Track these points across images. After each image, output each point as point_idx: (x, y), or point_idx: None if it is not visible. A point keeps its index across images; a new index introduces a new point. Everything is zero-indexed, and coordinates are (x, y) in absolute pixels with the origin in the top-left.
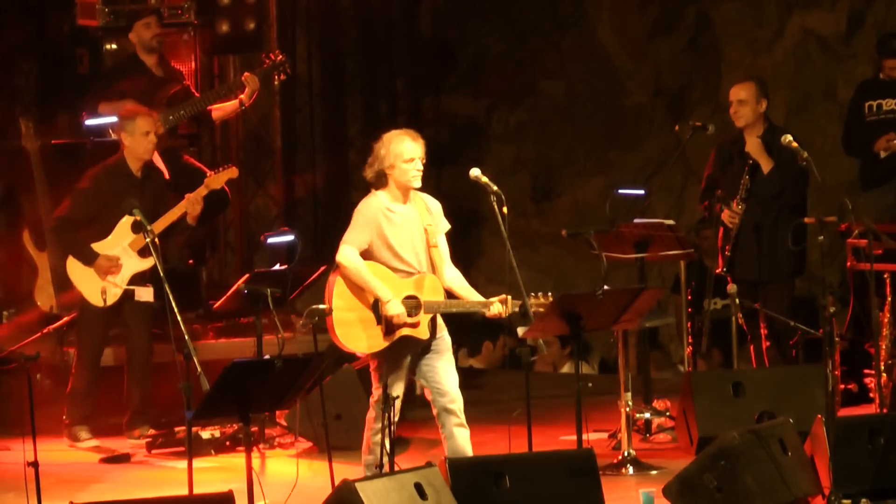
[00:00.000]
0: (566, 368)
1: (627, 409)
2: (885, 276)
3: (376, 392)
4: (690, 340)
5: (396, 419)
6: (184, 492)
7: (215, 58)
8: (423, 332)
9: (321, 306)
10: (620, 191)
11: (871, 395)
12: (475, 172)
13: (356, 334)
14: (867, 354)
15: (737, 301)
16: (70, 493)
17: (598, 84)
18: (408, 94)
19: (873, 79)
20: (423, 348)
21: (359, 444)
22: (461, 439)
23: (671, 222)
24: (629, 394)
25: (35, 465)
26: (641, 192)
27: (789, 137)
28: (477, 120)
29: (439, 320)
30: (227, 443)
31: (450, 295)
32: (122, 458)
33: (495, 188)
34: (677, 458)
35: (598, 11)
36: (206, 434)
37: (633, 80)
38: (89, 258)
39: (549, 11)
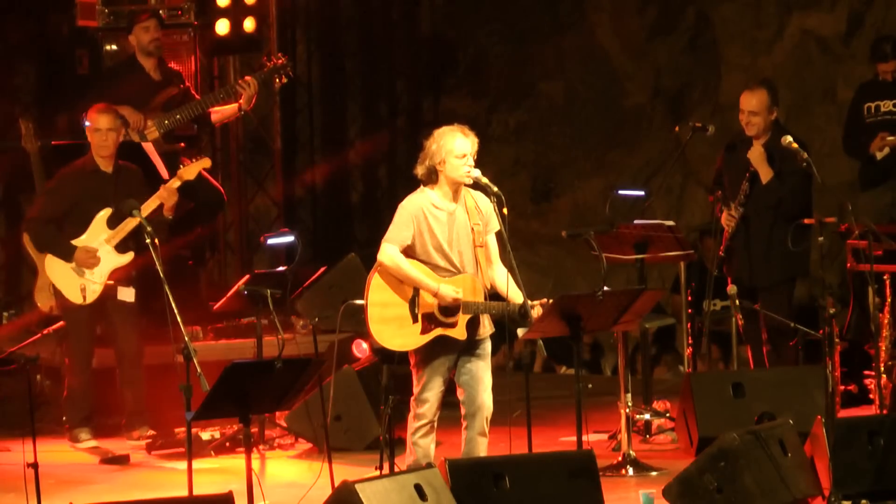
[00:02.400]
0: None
1: (627, 411)
2: (885, 276)
3: (416, 390)
4: (690, 341)
5: (435, 418)
6: (183, 493)
7: (215, 59)
8: (460, 333)
9: (358, 302)
10: (620, 191)
11: (871, 396)
12: (475, 173)
13: (392, 332)
14: (867, 355)
15: (737, 302)
16: (70, 495)
17: (598, 85)
18: (407, 95)
19: (872, 80)
20: (464, 349)
21: (358, 444)
22: (479, 447)
23: (671, 223)
24: (629, 395)
25: (35, 465)
26: (641, 192)
27: (789, 138)
28: (476, 120)
29: (485, 324)
30: (227, 444)
31: (494, 295)
32: (121, 460)
33: (495, 189)
34: (677, 459)
35: (597, 12)
36: (205, 435)
37: (633, 80)
38: (67, 253)
39: (549, 12)
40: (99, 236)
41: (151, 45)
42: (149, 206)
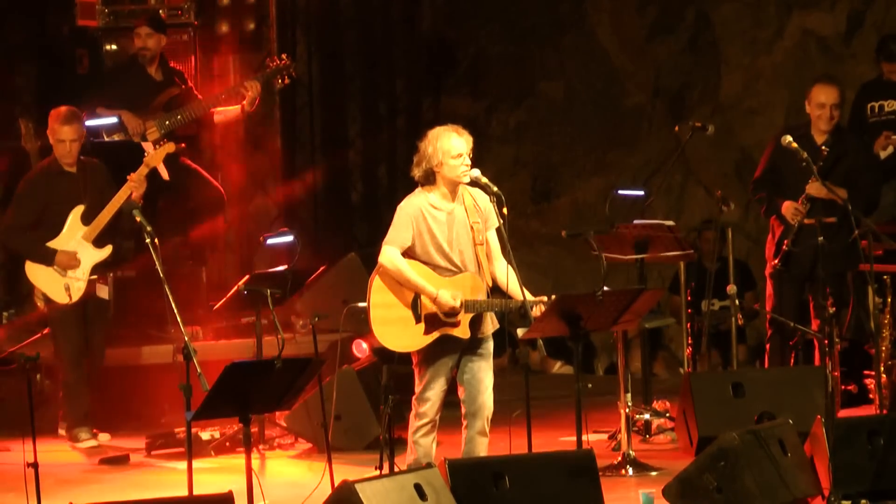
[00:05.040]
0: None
1: (627, 410)
2: (885, 277)
3: (418, 389)
4: (690, 341)
5: (437, 417)
6: (183, 493)
7: (215, 58)
8: (463, 332)
9: (361, 305)
10: (620, 191)
11: (871, 396)
12: (475, 173)
13: (395, 332)
14: (867, 355)
15: (736, 302)
16: (69, 494)
17: (598, 84)
18: (407, 95)
19: (875, 80)
20: (466, 347)
21: (358, 444)
22: (479, 447)
23: (671, 223)
24: (629, 395)
25: (35, 465)
26: (641, 192)
27: (789, 138)
28: (476, 120)
29: (488, 322)
30: (227, 444)
31: (498, 291)
32: (120, 459)
33: (495, 189)
34: (677, 459)
35: (597, 12)
36: (205, 435)
37: (633, 80)
38: (48, 258)
39: (549, 11)
40: (76, 234)
41: (141, 52)
42: (120, 198)
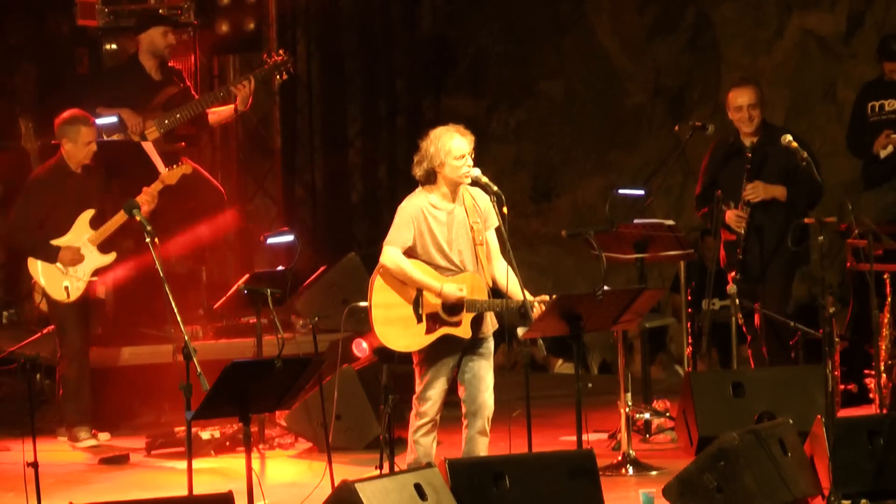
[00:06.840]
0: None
1: (627, 410)
2: (885, 276)
3: (419, 388)
4: (690, 341)
5: (437, 417)
6: (183, 493)
7: (215, 58)
8: (464, 331)
9: (361, 304)
10: (620, 191)
11: (871, 395)
12: (475, 172)
13: (397, 332)
14: (867, 355)
15: (736, 301)
16: (69, 494)
17: (598, 84)
18: (407, 95)
19: (877, 79)
20: (467, 347)
21: (358, 444)
22: (479, 446)
23: (671, 222)
24: (629, 394)
25: (35, 465)
26: (641, 192)
27: (789, 138)
28: (476, 120)
29: (489, 322)
30: (227, 443)
31: (497, 291)
32: (120, 459)
33: (495, 188)
34: (677, 459)
35: (597, 12)
36: (205, 434)
37: (633, 80)
38: (52, 255)
39: (549, 11)
40: (82, 236)
41: (167, 49)
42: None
